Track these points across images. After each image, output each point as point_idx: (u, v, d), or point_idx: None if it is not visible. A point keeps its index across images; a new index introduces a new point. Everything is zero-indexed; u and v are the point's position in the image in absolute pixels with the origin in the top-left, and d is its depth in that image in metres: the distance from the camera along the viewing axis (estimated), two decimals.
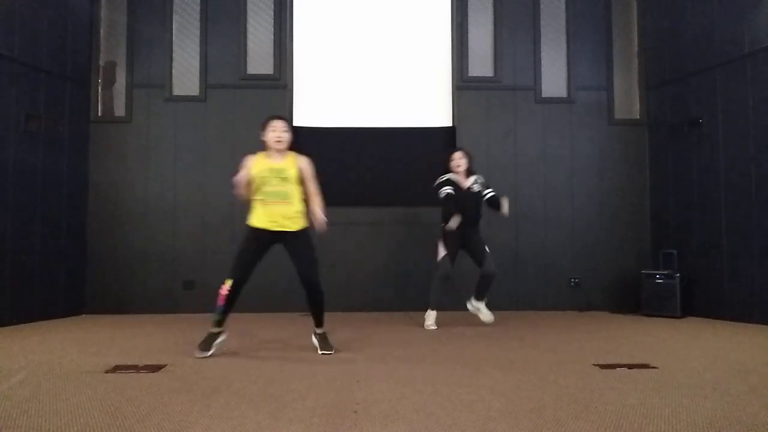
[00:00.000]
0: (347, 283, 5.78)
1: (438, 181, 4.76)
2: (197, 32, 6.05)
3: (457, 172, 4.73)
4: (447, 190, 4.72)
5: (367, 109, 6.12)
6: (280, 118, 3.53)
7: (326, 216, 3.45)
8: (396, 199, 6.02)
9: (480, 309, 4.77)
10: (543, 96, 6.17)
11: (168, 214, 5.87)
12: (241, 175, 3.40)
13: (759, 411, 2.17)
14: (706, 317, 5.25)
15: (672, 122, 5.82)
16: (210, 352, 3.33)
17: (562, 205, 6.05)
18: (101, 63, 5.97)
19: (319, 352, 3.43)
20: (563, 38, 6.23)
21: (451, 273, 4.63)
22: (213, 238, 5.84)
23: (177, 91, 6.00)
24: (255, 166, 3.43)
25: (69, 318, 5.39)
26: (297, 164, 3.47)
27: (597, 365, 3.05)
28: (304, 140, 6.10)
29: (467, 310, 4.81)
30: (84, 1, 5.81)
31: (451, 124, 6.20)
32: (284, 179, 3.40)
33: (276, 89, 6.05)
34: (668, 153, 5.88)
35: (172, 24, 6.04)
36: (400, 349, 3.64)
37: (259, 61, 6.08)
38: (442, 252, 4.68)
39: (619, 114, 6.22)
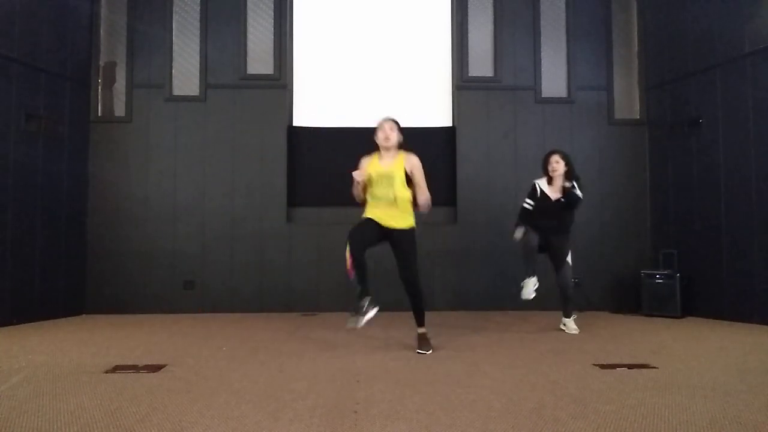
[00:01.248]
0: (346, 282, 5.75)
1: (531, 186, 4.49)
2: (197, 32, 6.05)
3: (553, 177, 4.36)
4: (525, 204, 4.46)
5: (367, 109, 6.10)
6: (389, 118, 3.61)
7: (425, 205, 3.51)
8: None
9: (566, 324, 4.45)
10: (543, 96, 6.16)
11: (168, 214, 5.87)
12: (357, 176, 3.51)
13: (759, 411, 2.17)
14: (706, 317, 5.24)
15: (672, 122, 5.82)
16: (362, 322, 3.40)
17: None
18: (101, 63, 5.98)
19: (416, 351, 3.48)
20: (563, 38, 6.23)
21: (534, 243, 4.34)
22: (213, 238, 5.85)
23: (177, 91, 6.01)
24: (369, 168, 3.57)
25: (69, 318, 5.39)
26: (404, 164, 3.52)
27: (597, 365, 3.05)
28: (304, 140, 6.14)
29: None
30: (84, 1, 5.80)
31: (451, 124, 6.21)
32: (390, 183, 3.48)
33: (276, 89, 6.05)
34: (668, 153, 5.88)
35: (172, 24, 6.04)
36: (399, 348, 3.64)
37: (259, 61, 6.08)
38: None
39: (619, 114, 6.22)
